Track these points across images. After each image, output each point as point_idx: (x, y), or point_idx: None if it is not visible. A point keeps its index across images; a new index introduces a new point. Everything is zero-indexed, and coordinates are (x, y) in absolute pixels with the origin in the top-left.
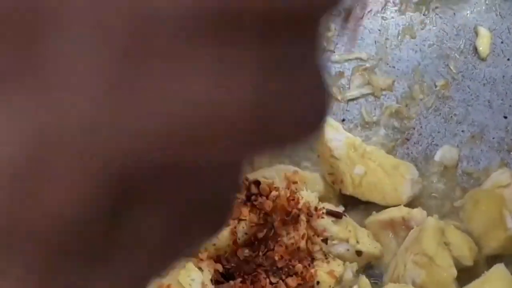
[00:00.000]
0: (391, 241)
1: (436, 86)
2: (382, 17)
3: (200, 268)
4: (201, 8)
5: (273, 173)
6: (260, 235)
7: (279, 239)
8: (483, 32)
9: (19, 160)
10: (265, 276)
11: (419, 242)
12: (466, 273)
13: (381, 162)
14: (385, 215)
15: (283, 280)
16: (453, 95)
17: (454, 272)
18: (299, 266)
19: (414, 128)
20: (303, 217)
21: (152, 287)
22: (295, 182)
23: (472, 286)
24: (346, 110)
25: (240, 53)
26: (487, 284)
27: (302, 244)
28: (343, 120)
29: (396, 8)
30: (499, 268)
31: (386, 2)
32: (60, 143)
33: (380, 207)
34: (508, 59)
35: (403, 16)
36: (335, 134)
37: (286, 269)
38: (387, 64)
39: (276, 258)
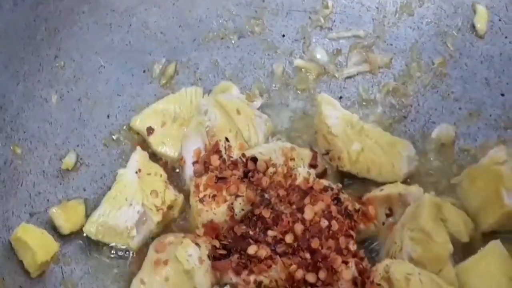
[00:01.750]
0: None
1: (433, 64)
2: None
3: (197, 244)
4: None
5: (270, 150)
6: (257, 211)
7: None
8: (481, 9)
9: None
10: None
11: (416, 218)
12: (462, 249)
13: (378, 139)
14: (382, 191)
15: (280, 256)
16: (451, 73)
17: (450, 248)
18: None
19: (411, 106)
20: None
21: (149, 263)
22: (292, 159)
23: (468, 262)
24: (344, 87)
25: None
26: (483, 260)
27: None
28: (341, 97)
29: None
30: (495, 245)
31: None
32: None
33: (377, 184)
34: (506, 37)
35: None
36: (332, 111)
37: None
38: (385, 41)
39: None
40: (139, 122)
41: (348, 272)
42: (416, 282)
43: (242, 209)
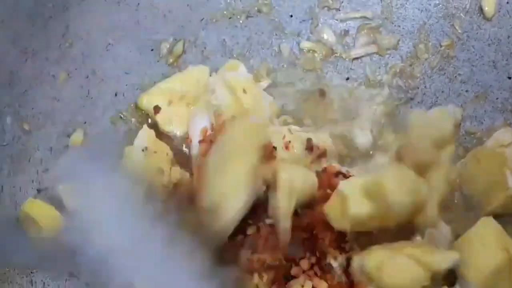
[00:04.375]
0: None
1: (441, 46)
2: None
3: None
4: None
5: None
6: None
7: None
8: None
9: None
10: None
11: None
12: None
13: None
14: None
15: None
16: (458, 55)
17: None
18: None
19: (418, 88)
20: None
21: None
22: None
23: (462, 238)
24: (351, 68)
25: None
26: (477, 234)
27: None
28: (347, 78)
29: None
30: (486, 219)
31: None
32: None
33: None
34: None
35: None
36: None
37: None
38: (392, 23)
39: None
40: (146, 101)
41: None
42: (389, 267)
43: None
